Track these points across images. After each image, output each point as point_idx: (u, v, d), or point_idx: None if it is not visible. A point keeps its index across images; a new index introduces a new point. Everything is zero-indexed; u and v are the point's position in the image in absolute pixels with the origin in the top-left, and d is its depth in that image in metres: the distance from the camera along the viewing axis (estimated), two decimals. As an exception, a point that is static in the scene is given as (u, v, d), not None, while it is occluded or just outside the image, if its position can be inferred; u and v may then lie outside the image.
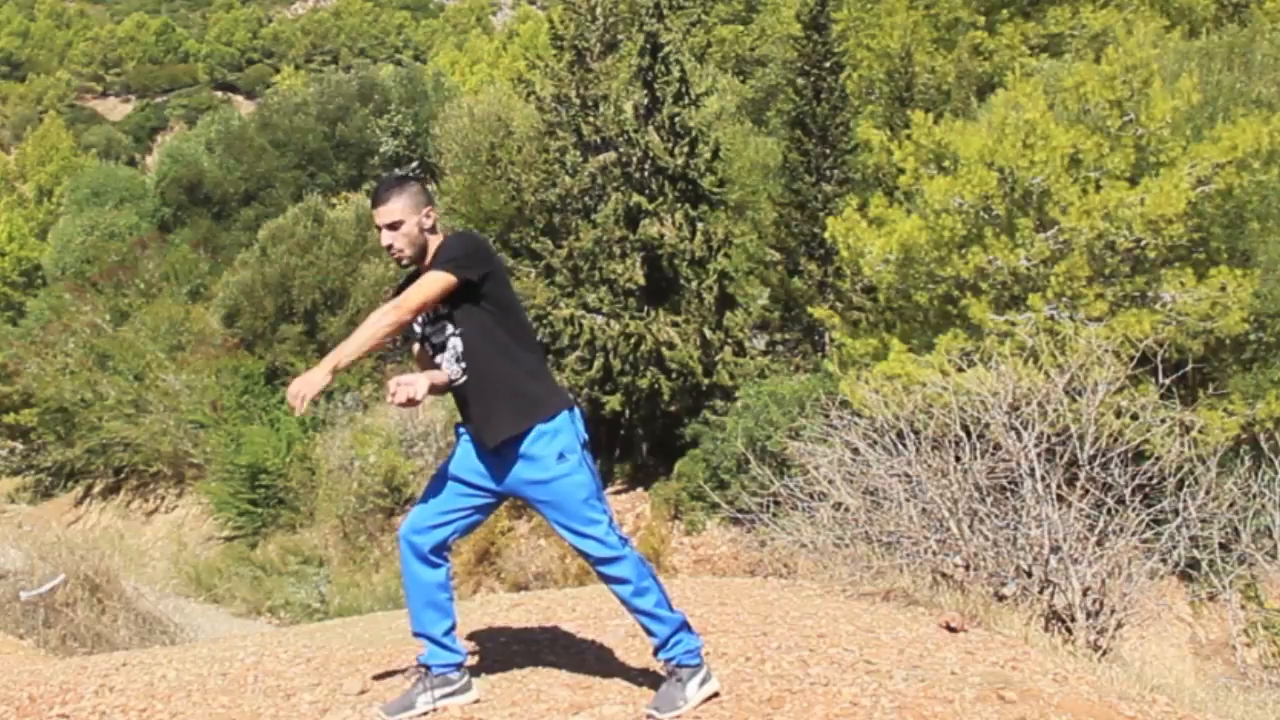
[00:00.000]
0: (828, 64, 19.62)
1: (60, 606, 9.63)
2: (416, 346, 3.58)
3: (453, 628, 3.57)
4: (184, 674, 4.30)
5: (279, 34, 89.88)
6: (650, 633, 3.49)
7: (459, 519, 3.51)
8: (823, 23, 19.83)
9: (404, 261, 3.46)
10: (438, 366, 3.49)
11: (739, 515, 7.00)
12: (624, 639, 4.33)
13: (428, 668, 3.56)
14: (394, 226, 3.40)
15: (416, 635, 3.59)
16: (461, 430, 3.57)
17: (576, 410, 3.51)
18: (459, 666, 3.58)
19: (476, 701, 3.60)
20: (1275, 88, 15.61)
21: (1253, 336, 13.04)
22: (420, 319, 3.46)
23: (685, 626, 3.51)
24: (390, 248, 3.43)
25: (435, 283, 3.30)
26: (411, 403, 3.29)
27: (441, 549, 3.51)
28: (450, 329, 3.43)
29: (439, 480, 3.53)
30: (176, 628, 11.31)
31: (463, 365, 3.43)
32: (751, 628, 4.40)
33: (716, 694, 3.53)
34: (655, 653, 3.53)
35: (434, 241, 3.47)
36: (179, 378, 25.48)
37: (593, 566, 3.44)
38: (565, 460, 3.39)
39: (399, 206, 3.40)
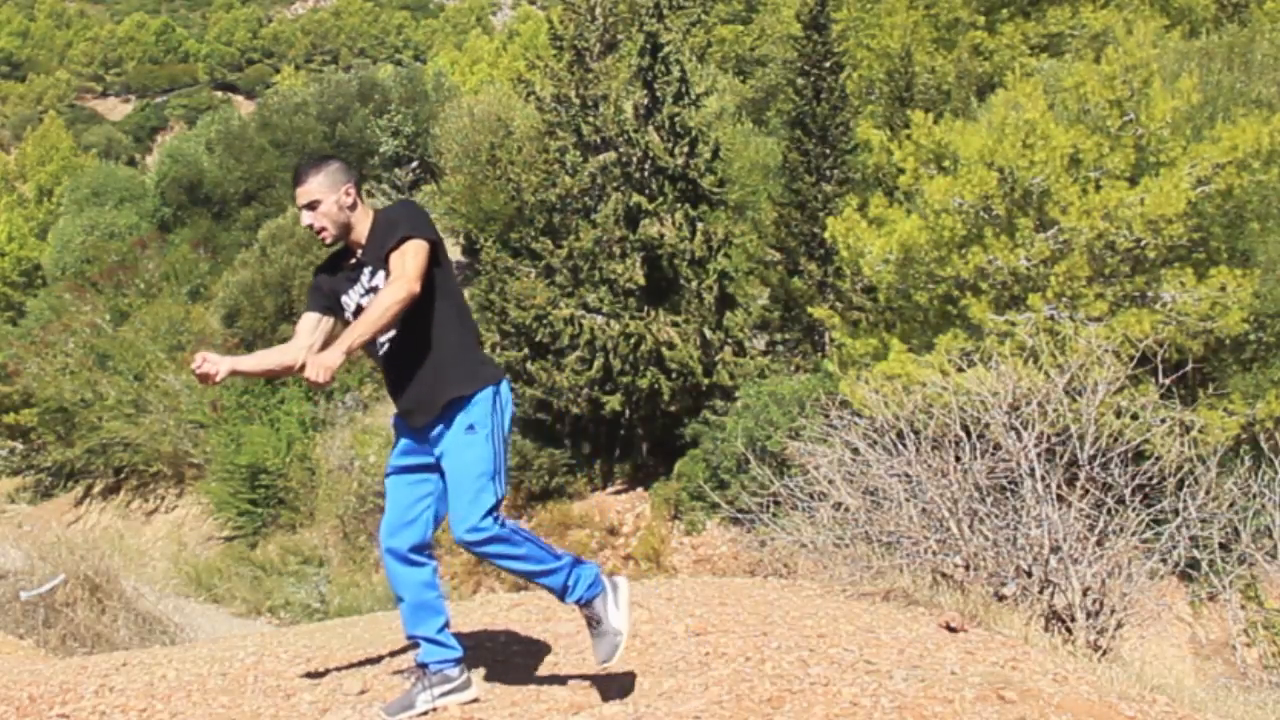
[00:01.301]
0: (828, 64, 19.63)
1: (60, 606, 9.63)
2: (330, 321, 3.58)
3: (446, 624, 3.56)
4: (184, 674, 4.30)
5: (279, 34, 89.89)
6: (549, 589, 3.48)
7: (423, 509, 3.51)
8: (823, 23, 19.84)
9: (328, 240, 3.47)
10: (372, 340, 3.48)
11: (739, 515, 7.00)
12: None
13: (425, 666, 3.55)
14: (312, 206, 3.42)
15: (411, 637, 3.59)
16: (395, 419, 3.59)
17: (505, 387, 3.50)
18: (457, 662, 3.57)
19: (475, 700, 3.59)
20: (1275, 88, 15.61)
21: (1253, 336, 13.04)
22: (356, 293, 3.48)
23: (577, 562, 3.49)
24: (311, 227, 3.45)
25: (422, 250, 3.32)
26: (208, 379, 3.28)
27: (421, 547, 3.51)
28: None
29: (390, 479, 3.56)
30: (176, 628, 11.30)
31: (389, 335, 3.42)
32: (751, 628, 4.40)
33: (629, 592, 3.53)
34: (562, 599, 3.50)
35: (359, 217, 3.48)
36: (179, 378, 25.47)
37: (463, 547, 3.38)
38: (473, 433, 3.39)
39: (316, 186, 3.41)
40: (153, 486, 26.62)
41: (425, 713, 3.51)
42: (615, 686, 3.73)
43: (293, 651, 4.59)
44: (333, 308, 3.59)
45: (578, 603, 3.50)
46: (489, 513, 3.33)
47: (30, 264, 42.35)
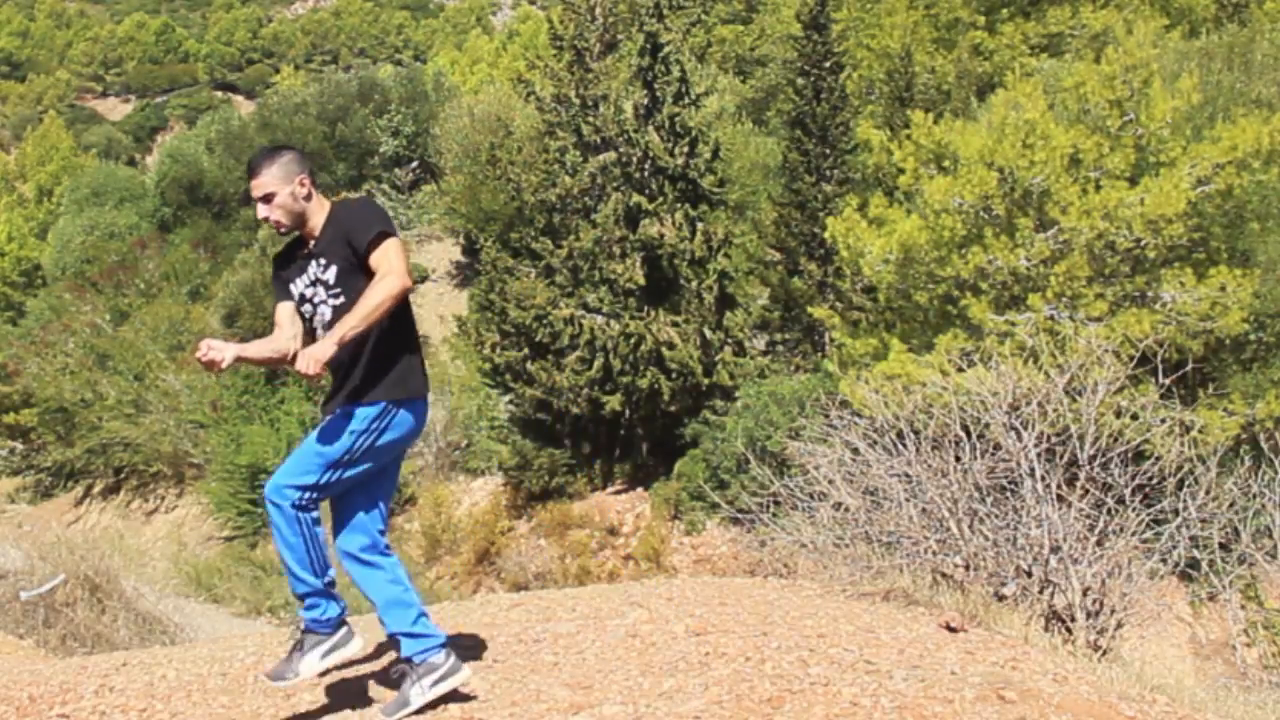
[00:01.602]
0: (828, 64, 19.63)
1: (60, 606, 9.63)
2: (288, 305, 3.59)
3: (421, 615, 3.55)
4: (184, 674, 4.30)
5: (279, 34, 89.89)
6: (291, 590, 3.48)
7: (356, 509, 3.52)
8: (823, 23, 19.84)
9: (282, 231, 3.48)
10: (313, 330, 3.51)
11: (739, 515, 6.99)
12: (624, 639, 4.33)
13: (410, 660, 3.54)
14: (267, 199, 3.43)
15: (391, 636, 3.59)
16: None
17: (411, 411, 3.48)
18: (441, 647, 3.55)
19: (467, 682, 3.58)
20: (1275, 88, 15.62)
21: (1253, 336, 13.04)
22: (304, 282, 3.50)
23: (331, 597, 3.48)
24: (266, 219, 3.46)
25: (399, 246, 3.35)
26: (214, 365, 3.29)
27: (371, 548, 3.52)
28: (326, 292, 3.45)
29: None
30: (176, 628, 11.30)
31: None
32: (751, 628, 4.39)
33: (335, 667, 3.52)
34: (299, 607, 3.50)
35: (314, 208, 3.49)
36: (179, 378, 25.48)
37: (266, 498, 3.39)
38: (346, 421, 3.40)
39: (270, 178, 3.42)
40: (153, 486, 26.62)
41: (421, 708, 3.49)
42: (615, 686, 3.72)
43: (293, 651, 4.58)
44: (289, 294, 3.61)
45: (302, 622, 3.48)
46: (302, 488, 3.34)
47: (30, 264, 42.36)
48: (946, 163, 13.30)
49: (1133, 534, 5.24)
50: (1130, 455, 5.49)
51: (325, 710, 3.74)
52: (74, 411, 26.31)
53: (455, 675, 3.53)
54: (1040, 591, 5.14)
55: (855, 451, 5.81)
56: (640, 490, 18.20)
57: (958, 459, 5.44)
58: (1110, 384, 5.82)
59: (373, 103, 37.55)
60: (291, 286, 3.55)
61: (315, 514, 3.40)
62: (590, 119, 18.24)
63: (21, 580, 9.94)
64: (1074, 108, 12.98)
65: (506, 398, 19.27)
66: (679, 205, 17.72)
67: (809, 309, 16.95)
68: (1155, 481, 5.42)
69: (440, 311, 28.61)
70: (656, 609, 4.78)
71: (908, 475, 5.55)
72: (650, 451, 18.51)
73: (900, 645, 4.18)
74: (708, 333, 17.66)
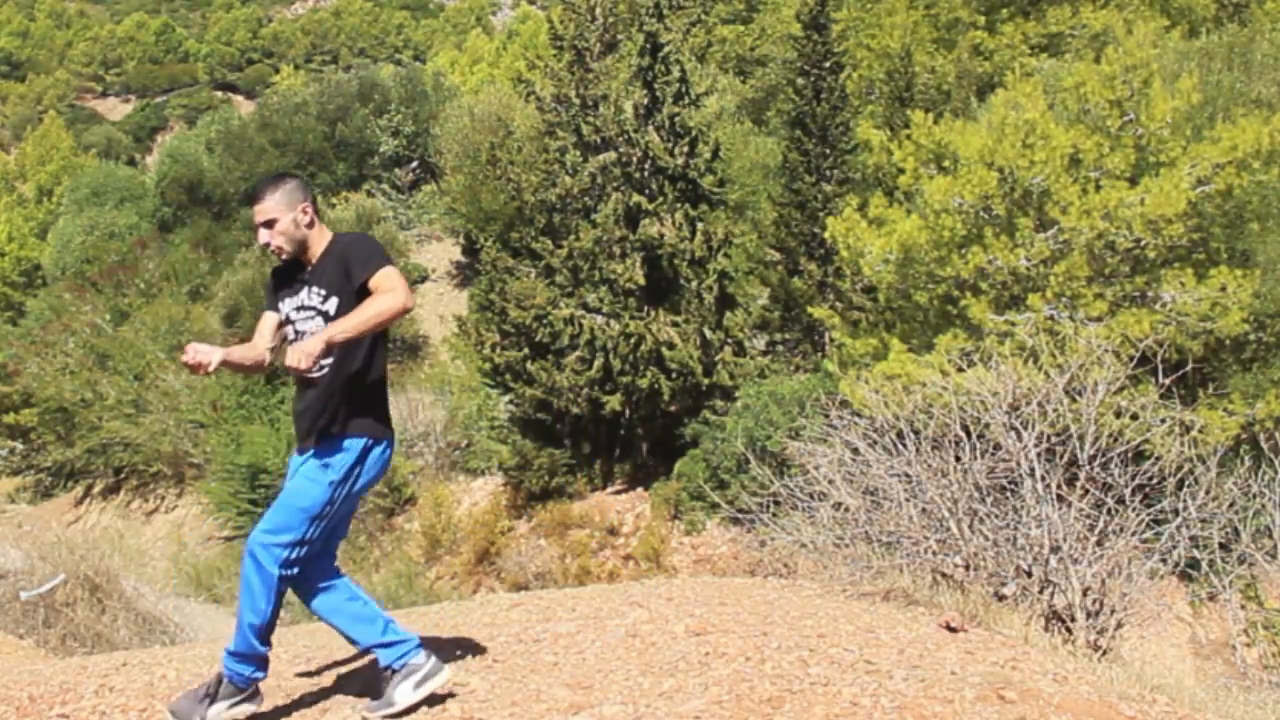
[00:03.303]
0: (828, 64, 19.63)
1: (60, 606, 9.62)
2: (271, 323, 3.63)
3: (388, 624, 3.57)
4: (184, 674, 4.30)
5: (279, 34, 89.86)
6: (236, 637, 3.46)
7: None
8: (823, 23, 19.84)
9: (283, 256, 3.52)
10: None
11: (739, 515, 6.99)
12: (624, 639, 4.33)
13: (391, 669, 3.55)
14: (269, 225, 3.47)
15: (364, 650, 3.61)
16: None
17: (382, 450, 3.52)
18: (418, 647, 3.56)
19: (454, 693, 3.59)
20: (1275, 88, 15.62)
21: (1253, 336, 13.04)
22: (292, 305, 3.54)
23: (251, 660, 3.47)
24: (266, 245, 3.49)
25: (400, 275, 3.39)
26: (200, 368, 3.30)
27: (324, 573, 3.55)
28: (321, 325, 3.46)
29: None
30: (176, 628, 11.30)
31: (327, 360, 3.45)
32: (751, 628, 4.40)
33: (249, 711, 3.52)
34: (228, 658, 3.49)
35: (315, 236, 3.53)
36: (179, 378, 25.47)
37: (248, 552, 3.38)
38: (324, 471, 3.42)
39: (273, 204, 3.46)
40: (153, 486, 26.62)
41: (407, 709, 3.50)
42: (615, 687, 3.72)
43: (293, 651, 4.59)
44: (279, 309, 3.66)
45: (222, 673, 3.47)
46: (288, 545, 3.35)
47: (30, 264, 42.36)
48: (946, 163, 13.30)
49: (1133, 534, 5.24)
50: (1130, 455, 5.49)
51: (325, 710, 3.74)
52: (74, 411, 26.30)
53: (437, 676, 3.54)
54: (1040, 591, 5.15)
55: (855, 451, 5.82)
56: (640, 490, 18.20)
57: (958, 459, 5.44)
58: (1110, 384, 5.82)
59: (373, 103, 37.56)
60: (281, 305, 3.59)
61: (293, 573, 3.41)
62: (590, 119, 18.24)
63: (21, 580, 9.94)
64: (1074, 108, 12.98)
65: (506, 398, 19.27)
66: (679, 205, 17.72)
67: (809, 309, 16.95)
68: (1155, 481, 5.42)
69: (440, 311, 28.63)
70: (656, 609, 4.78)
71: (908, 475, 5.56)
72: (650, 451, 18.51)
73: (900, 645, 4.18)
74: (708, 333, 17.66)
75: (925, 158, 13.44)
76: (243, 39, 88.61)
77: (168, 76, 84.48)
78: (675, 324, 17.52)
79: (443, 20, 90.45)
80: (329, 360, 3.44)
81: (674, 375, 17.26)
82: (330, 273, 3.47)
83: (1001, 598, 5.17)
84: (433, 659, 3.56)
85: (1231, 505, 5.48)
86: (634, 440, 18.70)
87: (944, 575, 5.29)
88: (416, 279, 29.98)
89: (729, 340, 17.85)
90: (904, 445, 5.64)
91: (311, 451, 3.46)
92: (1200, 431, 10.28)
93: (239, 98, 77.63)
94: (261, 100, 49.08)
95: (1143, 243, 11.97)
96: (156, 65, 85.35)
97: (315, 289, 3.49)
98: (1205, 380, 12.76)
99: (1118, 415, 5.94)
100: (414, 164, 36.46)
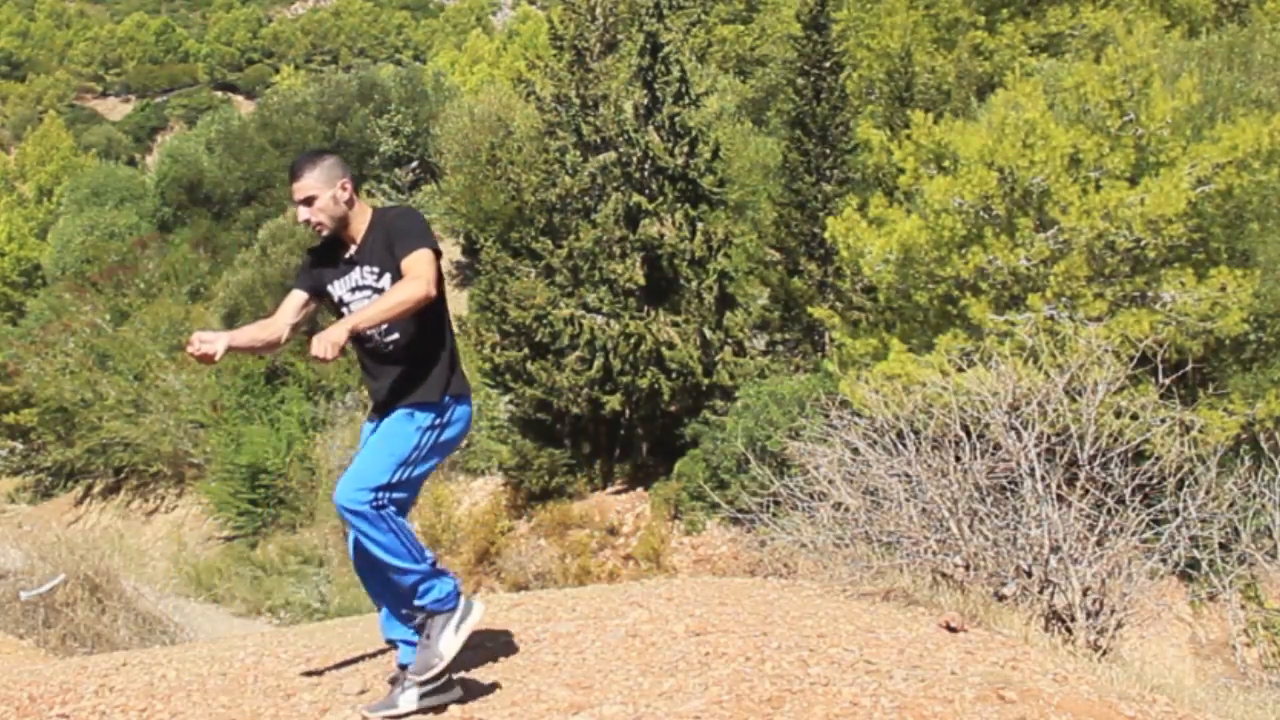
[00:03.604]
0: (828, 64, 19.62)
1: (60, 606, 9.63)
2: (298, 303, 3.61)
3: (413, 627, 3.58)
4: (184, 674, 4.30)
5: (279, 34, 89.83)
6: (399, 585, 3.46)
7: None
8: (823, 23, 19.83)
9: (323, 233, 3.50)
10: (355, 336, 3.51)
11: (739, 515, 6.99)
12: (624, 639, 4.33)
13: (405, 668, 3.57)
14: (309, 201, 3.45)
15: (388, 641, 3.62)
16: (365, 424, 3.62)
17: (465, 408, 3.53)
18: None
19: (462, 700, 3.59)
20: (1275, 88, 15.62)
21: (1253, 336, 13.04)
22: (343, 286, 3.52)
23: (439, 572, 3.47)
24: (308, 222, 3.47)
25: (435, 260, 3.38)
26: (207, 359, 3.30)
27: None
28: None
29: None
30: (176, 628, 11.31)
31: (392, 337, 3.46)
32: (751, 628, 4.40)
33: (477, 624, 3.50)
34: (409, 602, 3.49)
35: (355, 213, 3.51)
36: (179, 378, 25.48)
37: (339, 509, 3.39)
38: (410, 420, 3.42)
39: (313, 181, 3.44)
40: (153, 486, 26.62)
41: (407, 714, 3.51)
42: (615, 687, 3.72)
43: (293, 651, 4.59)
44: (319, 292, 3.62)
45: (421, 609, 3.47)
46: (375, 489, 3.32)
47: (30, 264, 42.35)
48: (946, 163, 13.29)
49: (1133, 534, 5.24)
50: (1130, 455, 5.49)
51: (325, 710, 3.74)
52: (74, 411, 26.30)
53: (446, 693, 3.54)
54: (1040, 591, 5.15)
55: (855, 451, 5.82)
56: (640, 490, 18.21)
57: (958, 459, 5.44)
58: (1110, 384, 5.82)
59: (373, 103, 37.55)
60: (330, 288, 3.57)
61: (393, 510, 3.38)
62: (590, 119, 18.24)
63: (21, 580, 9.95)
64: (1074, 108, 12.98)
65: (506, 398, 19.27)
66: (679, 205, 17.71)
67: (809, 309, 16.94)
68: (1155, 481, 5.42)
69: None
70: (656, 609, 4.78)
71: (908, 475, 5.55)
72: (650, 451, 18.51)
73: (900, 645, 4.18)
74: (708, 333, 17.66)
75: (925, 158, 13.43)
76: (243, 39, 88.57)
77: (168, 76, 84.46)
78: (675, 324, 17.52)
79: (443, 20, 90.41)
80: (395, 336, 3.45)
81: (674, 375, 17.26)
82: (379, 249, 3.46)
83: (1001, 598, 5.17)
84: (446, 676, 3.57)
85: (1231, 505, 5.48)
86: (634, 440, 18.70)
87: (944, 575, 5.29)
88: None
89: (729, 340, 17.85)
90: (904, 445, 5.64)
91: (399, 412, 3.44)
92: (1200, 431, 10.28)
93: (239, 98, 77.60)
94: (261, 100, 49.07)
95: (1143, 243, 11.97)
96: (156, 65, 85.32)
97: (367, 268, 3.48)
98: (1205, 380, 12.76)
99: (1118, 415, 5.94)
100: (414, 164, 36.45)
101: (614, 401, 17.41)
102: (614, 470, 18.80)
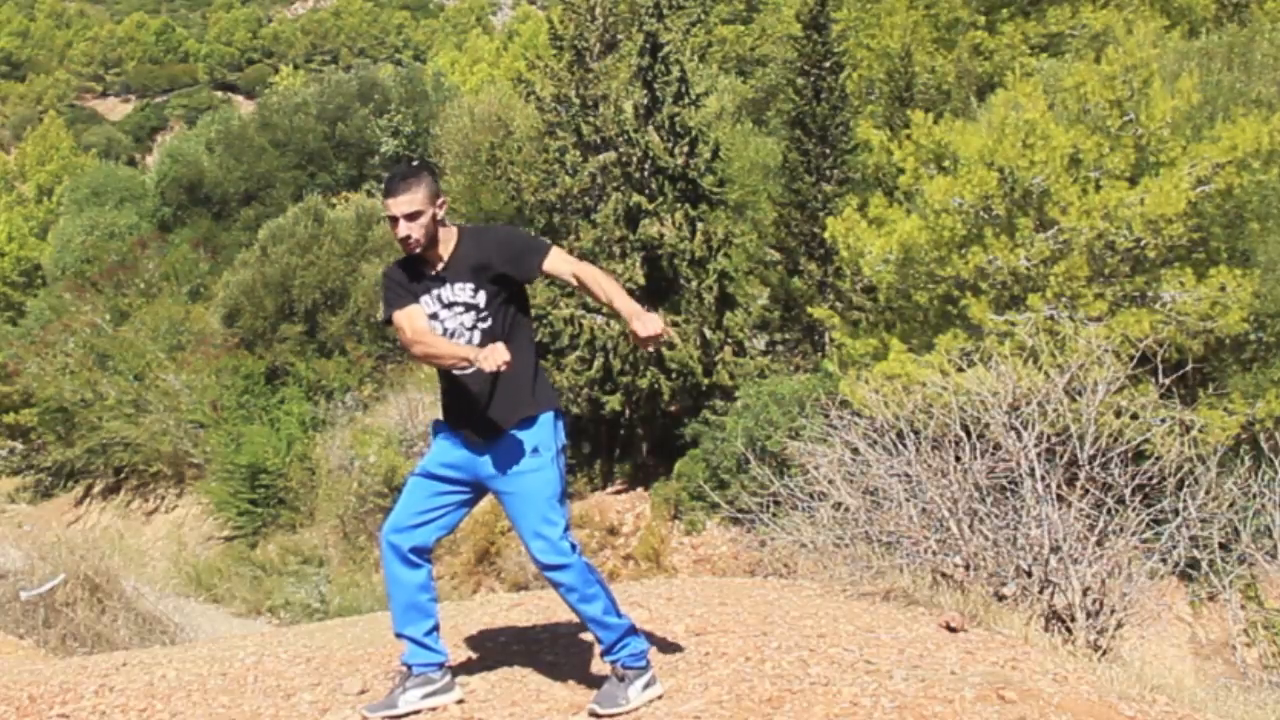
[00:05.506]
0: (828, 64, 19.61)
1: (60, 606, 9.63)
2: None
3: (434, 628, 3.59)
4: (184, 674, 4.30)
5: (279, 34, 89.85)
6: (598, 638, 3.55)
7: (437, 517, 3.54)
8: (823, 23, 19.82)
9: (416, 250, 3.47)
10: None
11: (739, 515, 6.99)
12: (624, 639, 4.32)
13: (409, 667, 3.58)
14: (412, 217, 3.41)
15: (399, 636, 3.61)
16: (439, 427, 3.61)
17: (561, 416, 3.59)
18: (440, 666, 3.60)
19: (461, 701, 3.60)
20: (1275, 88, 15.61)
21: (1253, 336, 13.04)
22: (439, 299, 3.50)
23: (632, 631, 3.56)
24: (407, 239, 3.43)
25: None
26: (506, 365, 3.26)
27: (423, 551, 3.53)
28: (474, 320, 3.46)
29: (417, 480, 3.57)
30: (176, 628, 11.31)
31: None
32: (751, 628, 4.40)
33: (659, 696, 3.57)
34: (602, 655, 3.57)
35: (444, 232, 3.50)
36: (179, 378, 25.48)
37: (540, 570, 3.45)
38: (538, 455, 3.45)
39: (419, 197, 3.42)
40: (153, 486, 26.62)
41: (406, 714, 3.52)
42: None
43: (293, 651, 4.59)
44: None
45: (615, 662, 3.54)
46: (564, 534, 3.41)
47: (30, 264, 42.33)
48: (946, 163, 13.29)
49: (1133, 534, 5.24)
50: (1130, 455, 5.49)
51: (325, 710, 3.74)
52: (74, 411, 26.29)
53: (445, 694, 3.58)
54: (1040, 591, 5.14)
55: (855, 451, 5.82)
56: (640, 490, 18.20)
57: (958, 459, 5.44)
58: (1110, 384, 5.82)
59: (373, 103, 37.55)
60: (431, 302, 3.54)
61: (584, 557, 3.48)
62: (590, 119, 18.24)
63: (21, 580, 9.95)
64: (1074, 108, 12.97)
65: (506, 398, 19.24)
66: (679, 205, 17.71)
67: (809, 309, 16.94)
68: (1155, 481, 5.42)
69: (440, 311, 28.56)
70: (656, 609, 4.78)
71: (908, 475, 5.55)
72: (650, 451, 18.51)
73: (900, 645, 4.18)
74: (708, 333, 17.66)
75: (925, 158, 13.43)
76: (243, 39, 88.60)
77: (168, 76, 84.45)
78: (675, 324, 17.51)
79: (443, 20, 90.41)
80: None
81: (674, 375, 17.26)
82: (475, 266, 3.46)
83: (1001, 598, 5.17)
84: (447, 677, 3.61)
85: (1231, 505, 5.48)
86: (634, 440, 18.70)
87: (944, 575, 5.29)
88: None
89: (729, 340, 17.85)
90: (904, 445, 5.64)
91: (506, 441, 3.45)
92: (1200, 431, 10.27)
93: (239, 98, 77.59)
94: (261, 100, 49.02)
95: (1143, 243, 11.97)
96: (156, 65, 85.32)
97: (461, 284, 3.47)
98: (1205, 380, 12.76)
99: (1118, 415, 5.94)
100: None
101: (614, 401, 17.41)
102: (614, 470, 18.80)
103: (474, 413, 3.48)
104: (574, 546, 3.43)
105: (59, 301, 30.98)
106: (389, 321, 3.55)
